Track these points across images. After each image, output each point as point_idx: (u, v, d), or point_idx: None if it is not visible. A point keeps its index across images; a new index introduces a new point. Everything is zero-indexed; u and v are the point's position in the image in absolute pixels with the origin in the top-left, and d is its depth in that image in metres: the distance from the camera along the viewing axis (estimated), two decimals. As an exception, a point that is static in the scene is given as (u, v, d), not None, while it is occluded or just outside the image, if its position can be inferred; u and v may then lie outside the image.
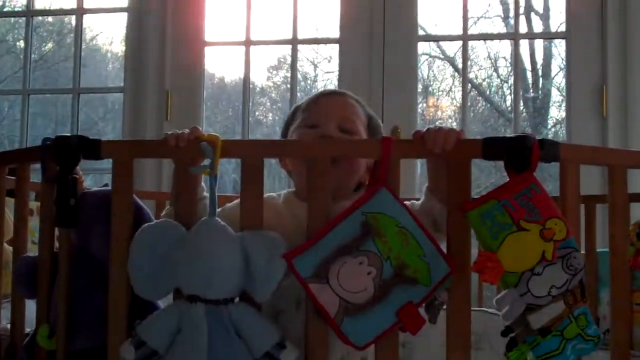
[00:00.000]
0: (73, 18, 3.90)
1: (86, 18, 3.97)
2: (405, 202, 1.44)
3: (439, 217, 1.53)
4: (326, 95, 1.82)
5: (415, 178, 3.35)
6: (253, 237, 1.40)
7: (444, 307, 1.51)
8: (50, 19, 6.77)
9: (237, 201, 1.65)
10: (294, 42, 3.62)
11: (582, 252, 1.66)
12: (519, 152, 1.39)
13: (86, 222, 1.55)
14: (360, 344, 1.37)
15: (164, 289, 1.42)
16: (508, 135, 1.43)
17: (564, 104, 4.37)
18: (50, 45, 6.87)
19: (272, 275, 1.37)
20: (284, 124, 1.86)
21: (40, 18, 6.25)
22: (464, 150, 1.44)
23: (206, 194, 1.55)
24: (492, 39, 6.90)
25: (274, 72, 6.92)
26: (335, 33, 3.56)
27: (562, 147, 1.45)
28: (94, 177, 4.48)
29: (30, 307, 1.69)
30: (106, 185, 1.70)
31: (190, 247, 1.38)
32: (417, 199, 1.64)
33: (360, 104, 1.81)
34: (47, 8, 5.35)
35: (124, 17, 3.74)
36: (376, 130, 1.81)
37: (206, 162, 1.43)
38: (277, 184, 4.52)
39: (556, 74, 6.60)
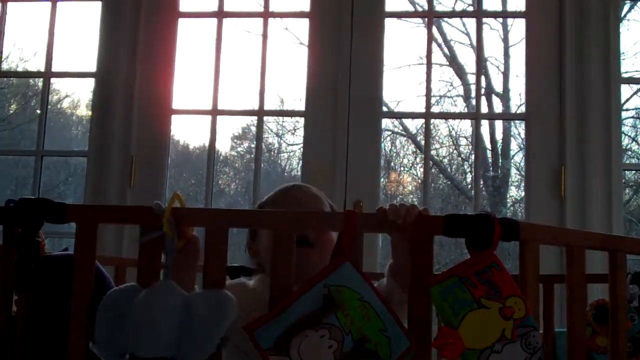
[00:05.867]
0: (38, 80, 3.90)
1: (53, 81, 3.97)
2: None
3: (396, 302, 1.54)
4: (293, 187, 1.96)
5: (377, 252, 3.36)
6: (198, 297, 1.38)
7: (404, 382, 1.50)
8: (14, 80, 6.76)
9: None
10: (260, 113, 3.65)
11: (541, 331, 1.68)
12: (481, 230, 1.41)
13: (46, 286, 1.53)
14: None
15: (120, 350, 1.39)
16: (469, 213, 1.45)
17: (522, 184, 4.44)
18: (14, 106, 6.86)
19: (208, 336, 1.34)
20: None
21: (4, 79, 6.24)
22: (426, 226, 1.45)
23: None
24: (453, 118, 7.07)
25: (238, 141, 6.96)
26: (301, 106, 3.60)
27: (522, 226, 1.47)
28: (52, 240, 4.43)
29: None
30: (66, 249, 1.69)
31: (136, 309, 1.36)
32: (378, 273, 1.66)
33: (322, 195, 1.94)
34: (13, 69, 5.35)
35: (90, 81, 3.75)
36: None
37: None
38: (237, 253, 4.49)
39: (515, 154, 6.75)
